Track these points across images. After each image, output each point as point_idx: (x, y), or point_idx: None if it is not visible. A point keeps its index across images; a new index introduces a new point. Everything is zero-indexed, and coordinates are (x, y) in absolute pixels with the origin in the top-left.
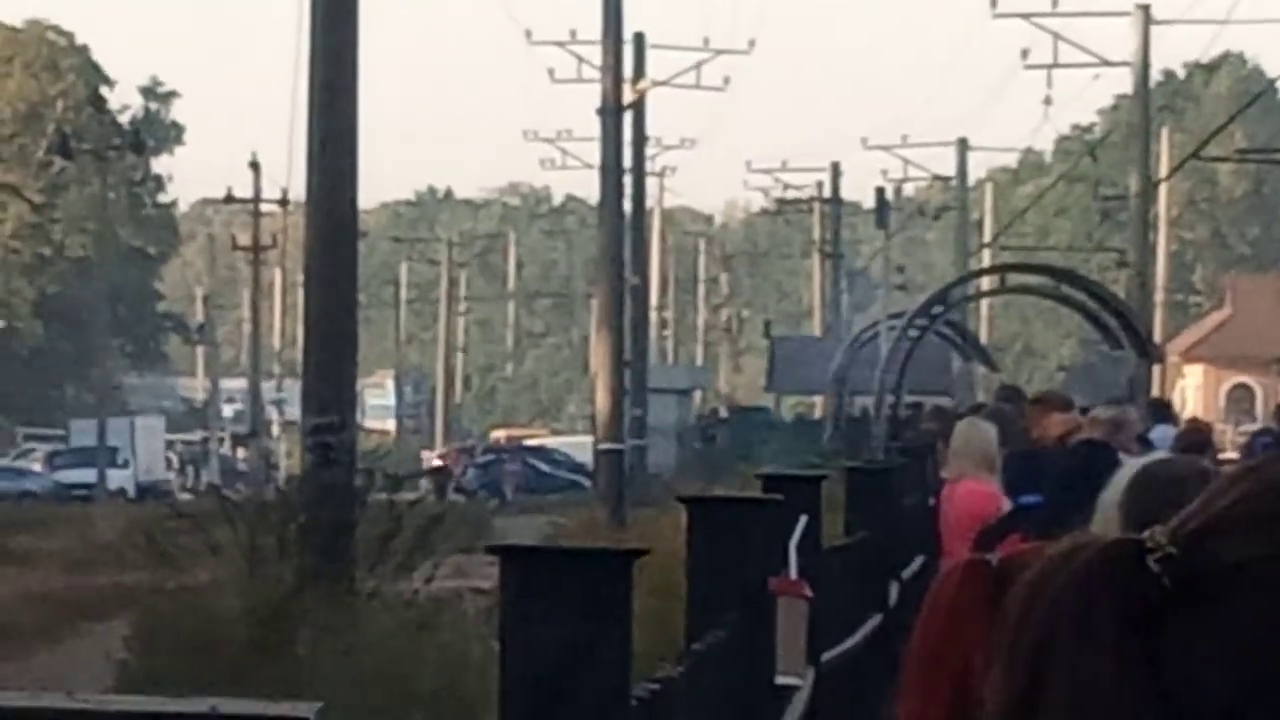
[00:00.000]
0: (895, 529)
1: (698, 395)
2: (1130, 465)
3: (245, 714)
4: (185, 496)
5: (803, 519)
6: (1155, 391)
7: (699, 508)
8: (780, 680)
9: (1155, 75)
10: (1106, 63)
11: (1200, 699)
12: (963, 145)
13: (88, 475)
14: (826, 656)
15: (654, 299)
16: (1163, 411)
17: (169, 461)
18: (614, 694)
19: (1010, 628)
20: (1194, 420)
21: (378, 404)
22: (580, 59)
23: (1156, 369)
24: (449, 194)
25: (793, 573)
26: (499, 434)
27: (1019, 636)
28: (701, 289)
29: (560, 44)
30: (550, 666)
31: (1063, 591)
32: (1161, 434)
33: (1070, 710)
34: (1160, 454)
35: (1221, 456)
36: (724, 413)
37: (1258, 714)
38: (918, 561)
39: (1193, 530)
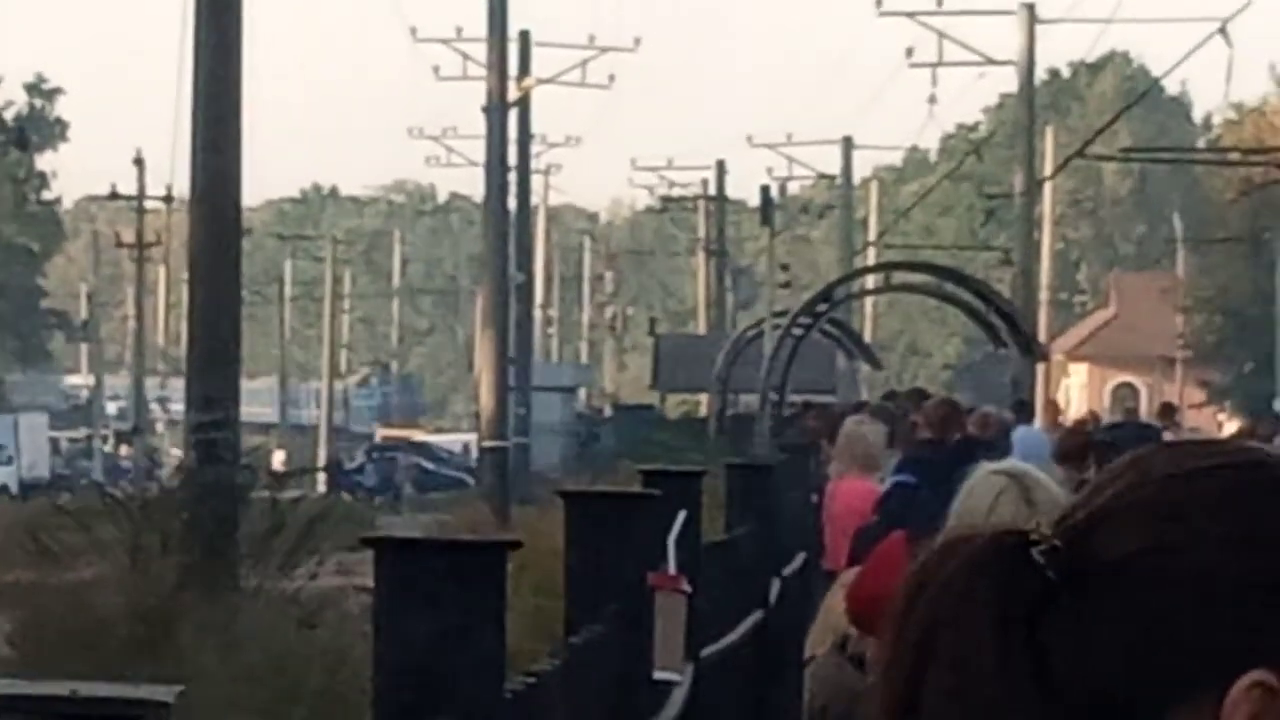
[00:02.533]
0: (777, 526)
1: (582, 393)
2: (981, 469)
3: (105, 697)
4: (68, 494)
5: (681, 514)
6: (1040, 390)
7: (577, 502)
8: (658, 675)
9: (1040, 74)
10: (991, 61)
11: (1084, 691)
12: (847, 144)
13: None
14: (706, 652)
15: (539, 296)
16: (1024, 411)
17: (55, 458)
18: (488, 687)
19: (894, 623)
20: (1077, 423)
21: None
22: (465, 56)
23: (1041, 368)
24: (334, 191)
25: (671, 568)
26: (383, 431)
27: (902, 632)
28: (586, 287)
29: (445, 41)
30: (424, 658)
31: (945, 585)
32: (1024, 435)
33: (951, 703)
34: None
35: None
36: (608, 411)
37: (1141, 707)
38: (799, 559)
39: (1077, 523)
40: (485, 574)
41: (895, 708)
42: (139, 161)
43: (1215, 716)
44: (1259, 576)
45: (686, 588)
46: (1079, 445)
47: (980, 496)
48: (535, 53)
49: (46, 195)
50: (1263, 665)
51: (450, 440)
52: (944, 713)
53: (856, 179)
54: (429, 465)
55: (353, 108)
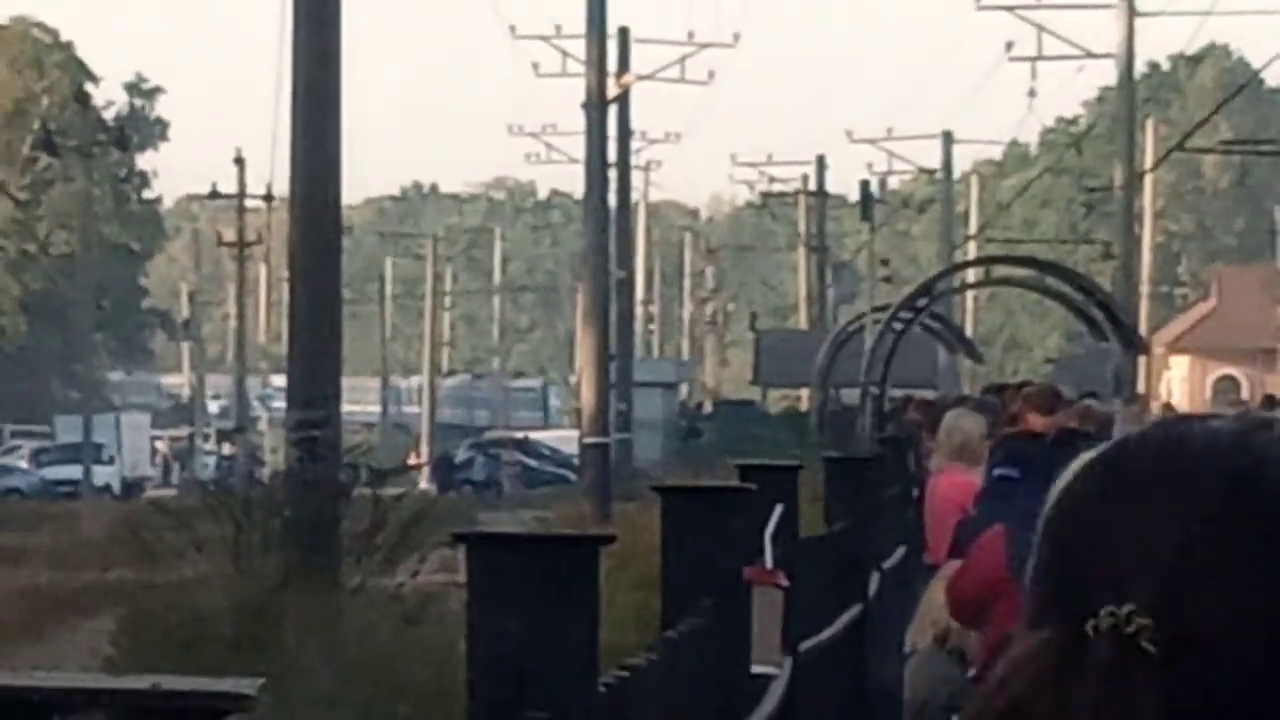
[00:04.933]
0: (876, 520)
1: (684, 389)
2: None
3: (187, 690)
4: (170, 492)
5: (778, 508)
6: (1141, 384)
7: (674, 497)
8: (756, 669)
9: (1140, 67)
10: (1091, 55)
11: None
12: (947, 138)
13: (73, 472)
14: (805, 646)
15: (640, 293)
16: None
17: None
18: (580, 681)
19: None
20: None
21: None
22: (565, 53)
23: (1142, 361)
24: (434, 189)
25: (768, 562)
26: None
27: None
28: (687, 282)
29: (545, 38)
30: (516, 654)
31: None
32: None
33: None
34: None
35: None
36: (708, 406)
37: None
38: (899, 553)
39: (1159, 592)
40: (578, 569)
41: None
42: (239, 160)
43: None
44: None
45: (784, 582)
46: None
47: None
48: (634, 49)
49: (147, 195)
50: None
51: (555, 437)
52: None
53: (956, 173)
54: (531, 462)
55: (452, 105)
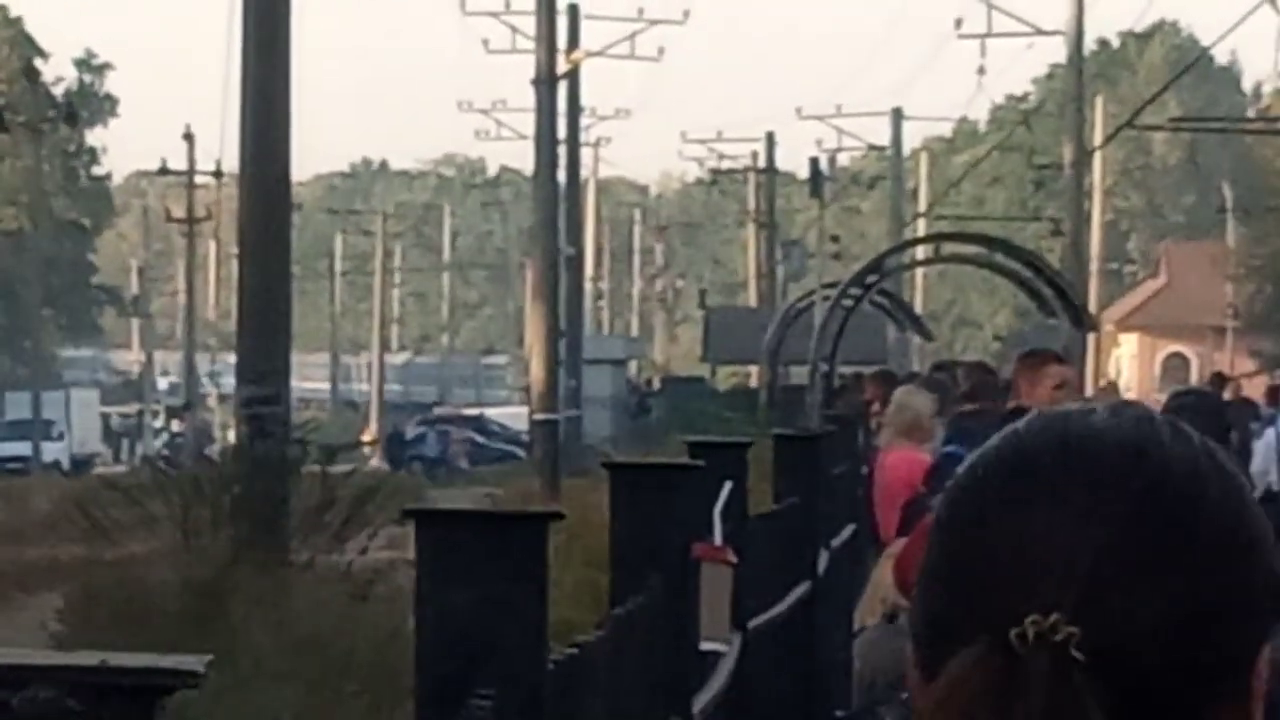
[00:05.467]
0: (825, 497)
1: (633, 365)
2: None
3: (135, 667)
4: (119, 469)
5: (727, 485)
6: (1090, 360)
7: (622, 473)
8: (705, 646)
9: (1089, 44)
10: (1040, 31)
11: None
12: (897, 115)
13: (22, 448)
14: (754, 623)
15: (589, 269)
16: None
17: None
18: (530, 657)
19: None
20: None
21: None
22: (514, 29)
23: (1091, 338)
24: (384, 165)
25: (717, 539)
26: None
27: None
28: (637, 259)
29: (494, 14)
30: (465, 629)
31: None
32: None
33: None
34: None
35: None
36: (657, 383)
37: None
38: (848, 530)
39: (1080, 598)
40: (527, 545)
41: None
42: (189, 136)
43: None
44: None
45: (733, 559)
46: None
47: None
48: (584, 25)
49: (96, 171)
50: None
51: (504, 414)
52: None
53: (906, 150)
54: (480, 439)
55: (402, 82)
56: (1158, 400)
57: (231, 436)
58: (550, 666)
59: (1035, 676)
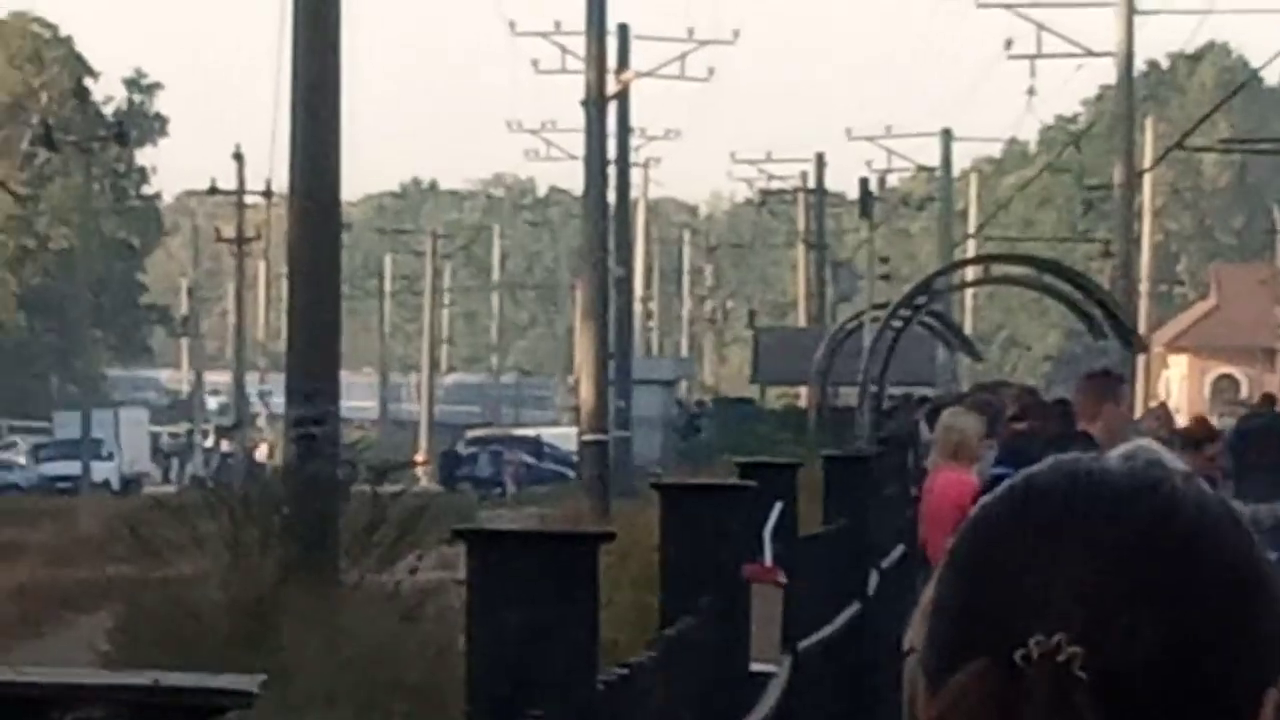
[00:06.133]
0: (875, 518)
1: (683, 386)
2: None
3: (187, 686)
4: (169, 489)
5: (777, 505)
6: (1140, 382)
7: (673, 494)
8: (755, 667)
9: (1139, 65)
10: (1090, 53)
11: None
12: (947, 136)
13: (72, 468)
14: (804, 644)
15: (639, 290)
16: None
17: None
18: (580, 679)
19: None
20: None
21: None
22: (564, 50)
23: (1141, 359)
24: (433, 185)
25: (767, 559)
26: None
27: None
28: (686, 280)
29: (544, 35)
30: (516, 650)
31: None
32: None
33: None
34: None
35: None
36: (696, 405)
37: None
38: (898, 551)
39: (1085, 623)
40: (577, 566)
41: None
42: (238, 156)
43: None
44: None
45: (782, 579)
46: (1205, 432)
47: None
48: (634, 46)
49: (146, 190)
50: None
51: (555, 434)
52: None
53: (956, 171)
54: (531, 460)
55: (452, 102)
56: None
57: (280, 456)
58: (600, 687)
59: (1037, 692)
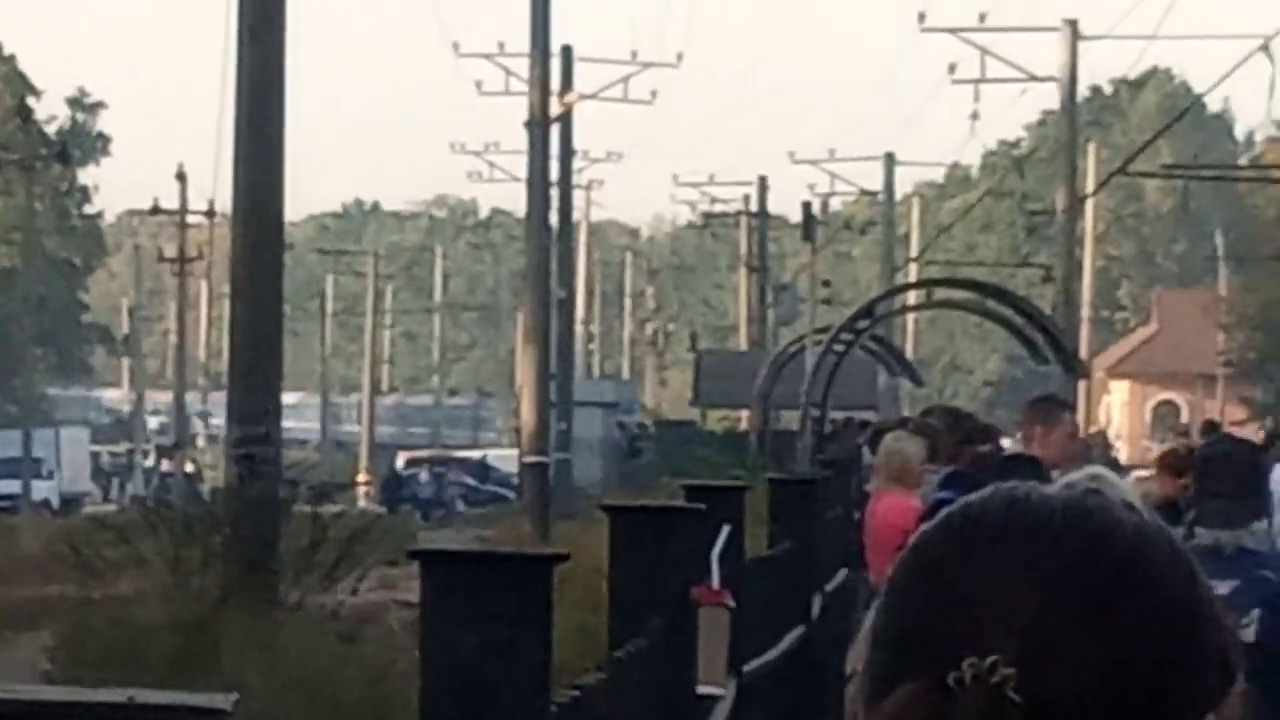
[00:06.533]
0: (818, 541)
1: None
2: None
3: (162, 704)
4: (109, 508)
5: (725, 529)
6: (1081, 408)
7: (621, 516)
8: (702, 690)
9: (1082, 90)
10: (1034, 78)
11: None
12: (889, 160)
13: (12, 486)
14: (749, 666)
15: (580, 312)
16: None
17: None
18: (533, 700)
19: None
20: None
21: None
22: (508, 71)
23: (1082, 385)
24: (375, 206)
25: (715, 582)
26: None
27: None
28: (628, 302)
29: (488, 56)
30: (469, 670)
31: None
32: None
33: None
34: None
35: (1140, 474)
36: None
37: None
38: (841, 574)
39: (1020, 646)
40: (532, 587)
41: None
42: (181, 176)
43: None
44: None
45: (730, 602)
46: (1186, 461)
47: None
48: (578, 68)
49: (88, 210)
50: None
51: (493, 455)
52: None
53: (898, 195)
54: (471, 481)
55: (395, 123)
56: (1148, 448)
57: (221, 476)
58: (553, 710)
59: (970, 715)
